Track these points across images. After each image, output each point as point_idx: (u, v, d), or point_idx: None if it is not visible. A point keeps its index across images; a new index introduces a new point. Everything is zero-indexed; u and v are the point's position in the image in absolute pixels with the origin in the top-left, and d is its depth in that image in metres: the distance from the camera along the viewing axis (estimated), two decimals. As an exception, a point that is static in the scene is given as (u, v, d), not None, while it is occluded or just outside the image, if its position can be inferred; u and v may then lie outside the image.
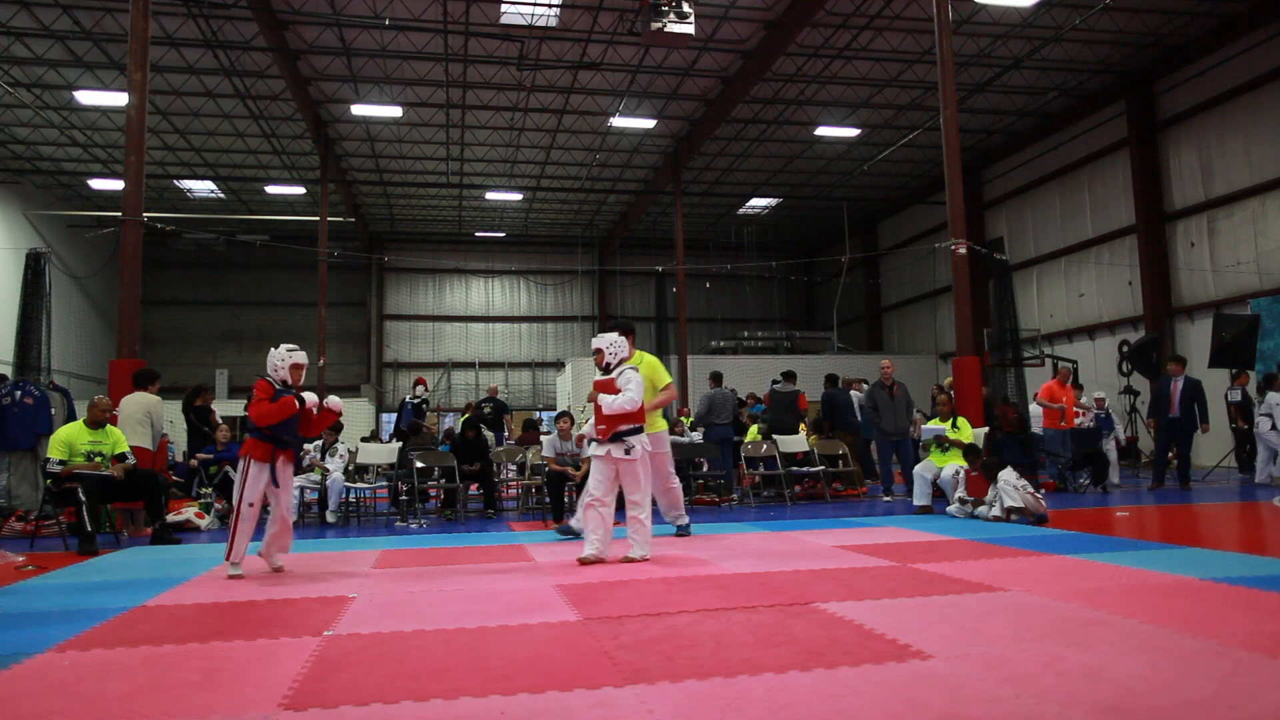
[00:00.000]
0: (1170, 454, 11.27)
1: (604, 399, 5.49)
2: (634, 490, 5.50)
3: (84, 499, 6.75)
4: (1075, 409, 11.25)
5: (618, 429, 5.48)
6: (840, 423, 11.77)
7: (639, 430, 5.54)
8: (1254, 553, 5.33)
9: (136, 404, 8.43)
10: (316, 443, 9.47)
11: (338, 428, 10.04)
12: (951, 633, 3.30)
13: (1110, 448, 10.79)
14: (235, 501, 5.27)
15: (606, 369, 5.70)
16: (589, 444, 5.82)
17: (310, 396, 5.44)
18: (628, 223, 27.38)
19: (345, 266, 26.29)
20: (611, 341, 5.76)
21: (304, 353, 5.54)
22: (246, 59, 16.39)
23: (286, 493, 5.44)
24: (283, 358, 5.46)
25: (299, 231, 27.02)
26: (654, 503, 6.07)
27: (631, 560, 5.34)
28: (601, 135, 20.75)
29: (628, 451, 5.45)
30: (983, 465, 7.82)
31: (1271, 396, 10.69)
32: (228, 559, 5.18)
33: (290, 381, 5.44)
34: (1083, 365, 16.24)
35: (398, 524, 9.04)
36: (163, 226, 15.73)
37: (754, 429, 11.76)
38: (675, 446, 10.76)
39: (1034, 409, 13.26)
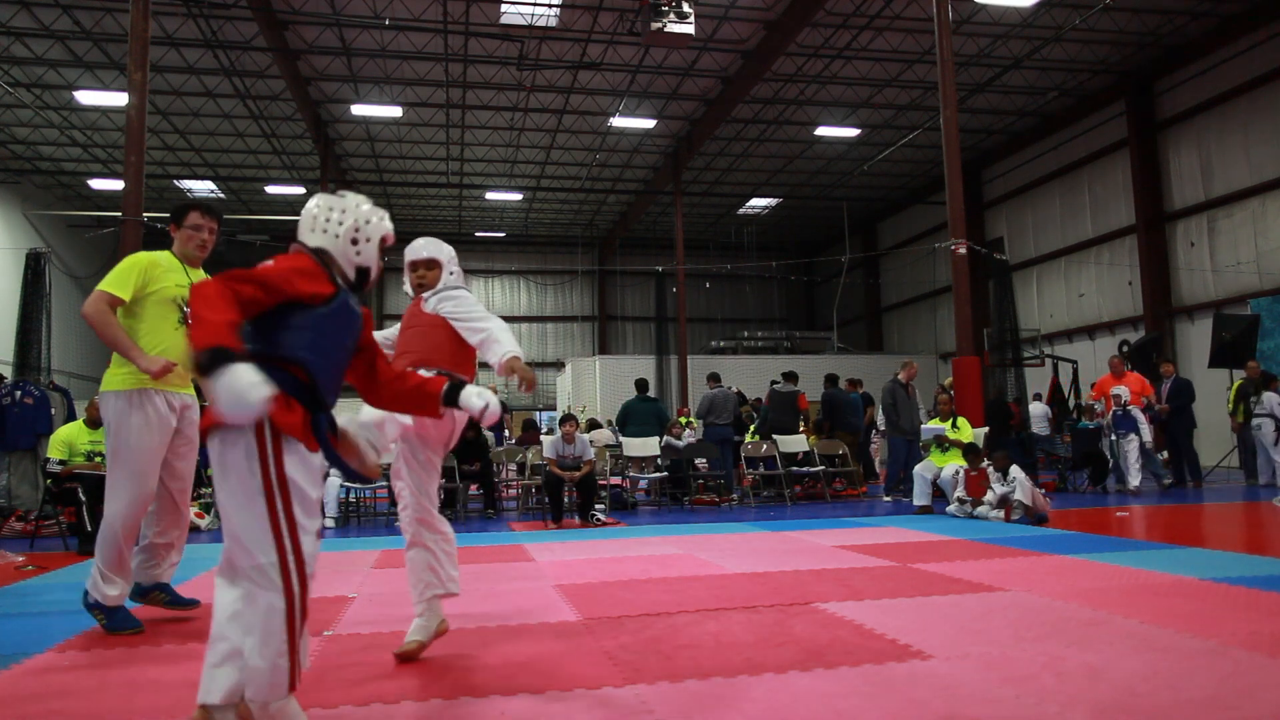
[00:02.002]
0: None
1: (505, 346, 3.35)
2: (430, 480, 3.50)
3: (84, 499, 6.75)
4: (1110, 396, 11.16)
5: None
6: (840, 423, 11.78)
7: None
8: (1254, 553, 5.33)
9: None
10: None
11: None
12: (951, 633, 3.30)
13: (1131, 448, 10.56)
14: (281, 544, 2.03)
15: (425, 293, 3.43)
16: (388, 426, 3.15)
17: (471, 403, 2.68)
18: (628, 223, 27.37)
19: (345, 266, 26.25)
20: (453, 256, 3.53)
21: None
22: (246, 59, 16.39)
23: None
24: (368, 218, 2.46)
25: (299, 231, 27.02)
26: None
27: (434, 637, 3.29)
28: (601, 135, 20.74)
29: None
30: (995, 457, 7.77)
31: (1269, 397, 10.68)
32: (290, 688, 2.04)
33: (375, 274, 2.50)
34: (1083, 365, 16.20)
35: (398, 524, 9.00)
36: (163, 226, 15.69)
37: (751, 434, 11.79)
38: (675, 447, 10.83)
39: (1034, 409, 13.24)
